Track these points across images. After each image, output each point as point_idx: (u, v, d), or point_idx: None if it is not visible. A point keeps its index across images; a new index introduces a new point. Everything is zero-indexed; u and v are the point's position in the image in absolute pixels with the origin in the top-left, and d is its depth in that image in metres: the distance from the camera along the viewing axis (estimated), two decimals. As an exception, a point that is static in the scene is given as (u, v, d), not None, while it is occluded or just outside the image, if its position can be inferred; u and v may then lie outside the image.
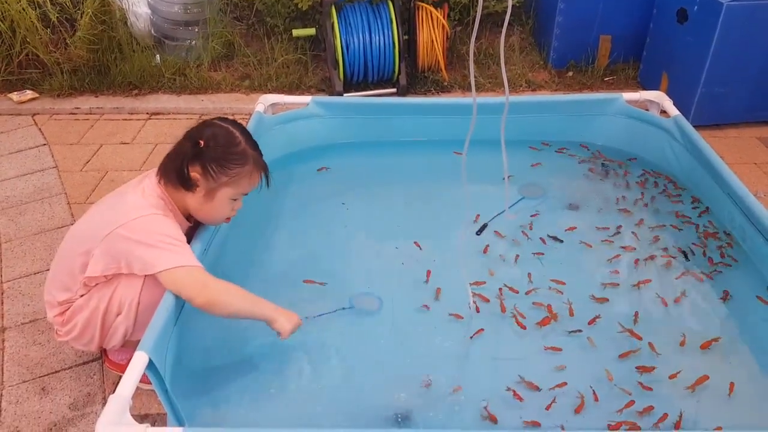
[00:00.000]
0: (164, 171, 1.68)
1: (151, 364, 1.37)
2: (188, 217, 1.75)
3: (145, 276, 1.57)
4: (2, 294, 2.19)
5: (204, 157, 1.62)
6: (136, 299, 1.61)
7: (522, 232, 2.24)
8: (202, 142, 1.62)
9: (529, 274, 2.03)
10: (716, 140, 3.14)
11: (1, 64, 3.60)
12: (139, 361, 1.35)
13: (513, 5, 3.92)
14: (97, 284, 1.64)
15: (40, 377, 1.87)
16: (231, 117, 1.80)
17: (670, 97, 3.08)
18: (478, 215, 2.30)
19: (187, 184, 1.63)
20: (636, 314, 1.87)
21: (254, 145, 1.72)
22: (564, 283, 1.99)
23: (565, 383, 1.65)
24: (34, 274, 2.29)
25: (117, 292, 1.62)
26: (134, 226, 1.55)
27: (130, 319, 1.64)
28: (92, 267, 1.59)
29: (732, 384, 1.64)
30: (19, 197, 2.75)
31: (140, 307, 1.62)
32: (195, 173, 1.63)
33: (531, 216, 2.33)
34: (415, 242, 2.17)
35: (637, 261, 2.09)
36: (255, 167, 1.69)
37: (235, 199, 1.72)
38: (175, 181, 1.65)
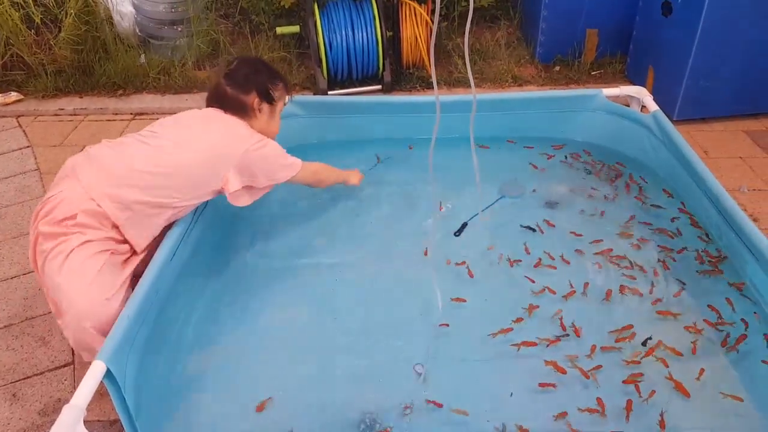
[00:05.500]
0: (229, 106, 1.97)
1: (109, 374, 1.37)
2: None
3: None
4: (-22, 299, 2.20)
5: (263, 80, 2.01)
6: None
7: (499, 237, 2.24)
8: (266, 70, 2.04)
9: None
10: (702, 134, 3.11)
11: (-14, 66, 3.60)
12: (96, 371, 1.35)
13: (500, -1, 3.90)
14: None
15: (11, 383, 1.88)
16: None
17: (656, 92, 3.06)
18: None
19: (272, 102, 2.03)
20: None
21: None
22: (534, 281, 2.00)
23: (554, 385, 1.67)
24: (11, 278, 2.29)
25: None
26: (265, 144, 1.94)
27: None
28: (232, 184, 1.88)
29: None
30: (0, 201, 2.75)
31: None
32: (269, 95, 2.02)
33: (508, 215, 2.32)
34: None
35: (613, 260, 2.08)
36: (286, 82, 2.13)
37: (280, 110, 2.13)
38: (246, 108, 1.98)
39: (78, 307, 1.60)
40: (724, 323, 1.83)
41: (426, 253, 2.06)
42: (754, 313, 1.84)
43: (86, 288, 1.61)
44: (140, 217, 1.76)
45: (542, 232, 2.21)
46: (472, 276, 2.02)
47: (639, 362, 1.72)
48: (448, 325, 1.84)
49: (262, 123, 2.02)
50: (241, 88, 1.97)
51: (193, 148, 1.84)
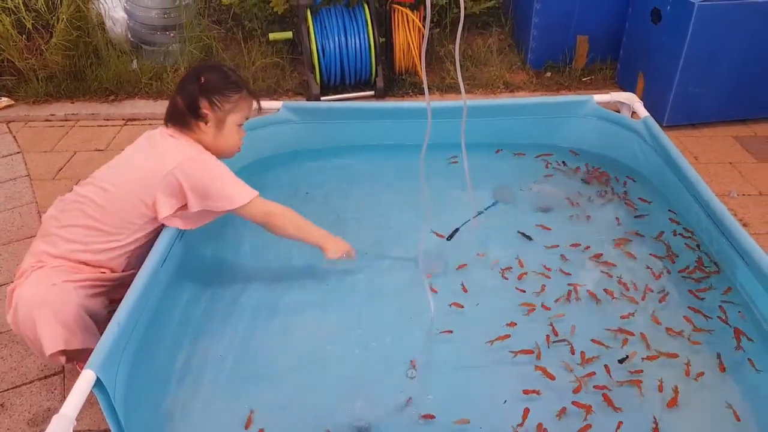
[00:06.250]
0: (175, 119, 1.85)
1: (99, 383, 1.36)
2: None
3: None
4: (-33, 307, 2.17)
5: (207, 91, 1.82)
6: None
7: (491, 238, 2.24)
8: (202, 79, 1.82)
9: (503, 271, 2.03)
10: (692, 140, 3.14)
11: (-24, 71, 3.58)
12: (85, 380, 1.34)
13: (492, 7, 3.92)
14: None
15: (0, 392, 1.86)
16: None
17: (646, 98, 3.09)
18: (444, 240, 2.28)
19: (199, 118, 1.82)
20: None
21: (242, 77, 1.96)
22: (524, 291, 2.00)
23: (538, 391, 1.67)
24: (0, 285, 2.27)
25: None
26: (196, 164, 1.76)
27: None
28: (162, 209, 1.75)
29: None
30: (-10, 207, 2.73)
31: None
32: (204, 108, 1.82)
33: (501, 220, 2.33)
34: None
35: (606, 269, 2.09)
36: (248, 93, 1.92)
37: (240, 125, 1.92)
38: (188, 121, 1.83)
39: (25, 299, 1.64)
40: (715, 328, 1.83)
41: (433, 291, 1.89)
42: (739, 312, 1.86)
43: (34, 283, 1.66)
44: (85, 260, 1.76)
45: (535, 239, 2.22)
46: (465, 288, 2.01)
47: (641, 371, 1.71)
48: (451, 332, 1.83)
49: (209, 138, 1.85)
50: (184, 99, 1.83)
51: (105, 188, 1.75)
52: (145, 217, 1.78)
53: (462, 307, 1.93)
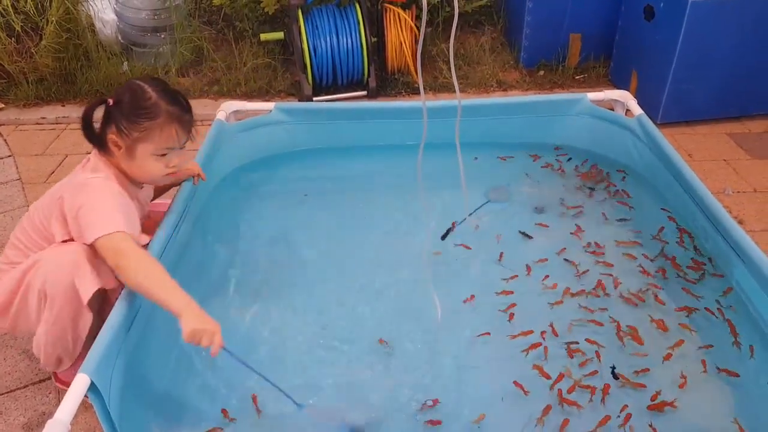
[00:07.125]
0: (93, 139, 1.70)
1: (93, 387, 1.34)
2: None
3: None
4: (-42, 312, 2.15)
5: (115, 115, 1.63)
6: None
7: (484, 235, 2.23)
8: (110, 101, 1.64)
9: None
10: (686, 137, 3.14)
11: (-35, 75, 3.54)
12: (79, 384, 1.32)
13: (484, 5, 3.92)
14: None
15: (-7, 398, 1.84)
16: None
17: (640, 95, 3.10)
18: (454, 222, 2.27)
19: (102, 144, 1.66)
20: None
21: (171, 100, 1.67)
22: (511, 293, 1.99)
23: (527, 392, 1.65)
24: (-8, 290, 2.24)
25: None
26: (81, 190, 1.60)
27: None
28: (56, 235, 1.62)
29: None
30: (-19, 211, 2.70)
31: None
32: (111, 133, 1.64)
33: (496, 219, 2.32)
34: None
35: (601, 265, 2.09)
36: (168, 120, 1.65)
37: (162, 155, 1.68)
38: (100, 144, 1.67)
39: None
40: (711, 326, 1.84)
41: (439, 318, 1.78)
42: (731, 306, 1.87)
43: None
44: None
45: (530, 238, 2.21)
46: (471, 300, 1.98)
47: (636, 371, 1.71)
48: (489, 334, 1.82)
49: (123, 164, 1.68)
50: (95, 121, 1.67)
51: (30, 208, 1.74)
52: (47, 242, 1.66)
53: (473, 298, 1.92)
